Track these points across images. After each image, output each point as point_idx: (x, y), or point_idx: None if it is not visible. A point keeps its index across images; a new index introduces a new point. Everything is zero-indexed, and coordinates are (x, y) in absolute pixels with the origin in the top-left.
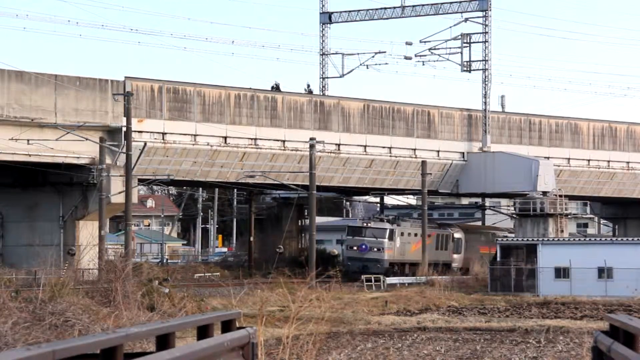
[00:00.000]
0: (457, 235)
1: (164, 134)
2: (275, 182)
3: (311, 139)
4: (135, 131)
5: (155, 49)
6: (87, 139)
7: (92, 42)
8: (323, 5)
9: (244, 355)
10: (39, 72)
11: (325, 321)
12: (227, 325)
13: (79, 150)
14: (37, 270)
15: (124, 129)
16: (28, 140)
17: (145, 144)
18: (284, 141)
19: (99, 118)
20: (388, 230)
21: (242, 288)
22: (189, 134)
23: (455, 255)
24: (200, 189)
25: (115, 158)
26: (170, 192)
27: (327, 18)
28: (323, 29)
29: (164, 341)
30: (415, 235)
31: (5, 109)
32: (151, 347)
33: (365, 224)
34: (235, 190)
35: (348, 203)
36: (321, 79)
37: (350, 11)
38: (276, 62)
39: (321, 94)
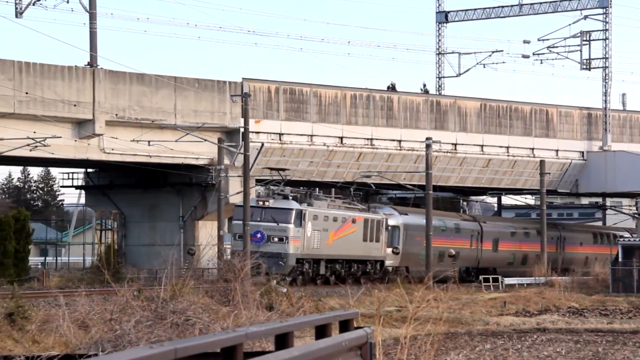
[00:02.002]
0: (392, 222)
1: (280, 134)
2: (392, 182)
3: (427, 138)
4: (252, 132)
5: (272, 50)
6: (205, 140)
7: (211, 44)
8: (439, 5)
9: (362, 355)
10: (160, 75)
11: (443, 322)
12: (345, 325)
13: (197, 151)
14: (158, 270)
15: (242, 129)
16: (149, 141)
17: (262, 144)
18: (400, 141)
19: (217, 119)
20: (294, 212)
21: (359, 288)
22: (305, 135)
23: (389, 250)
24: (317, 189)
25: (233, 159)
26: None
27: (443, 17)
28: (439, 28)
29: (282, 340)
30: (335, 220)
31: (127, 110)
32: (270, 347)
33: (260, 203)
34: (352, 190)
35: (465, 203)
36: (437, 79)
37: (466, 10)
38: (392, 62)
39: (437, 93)
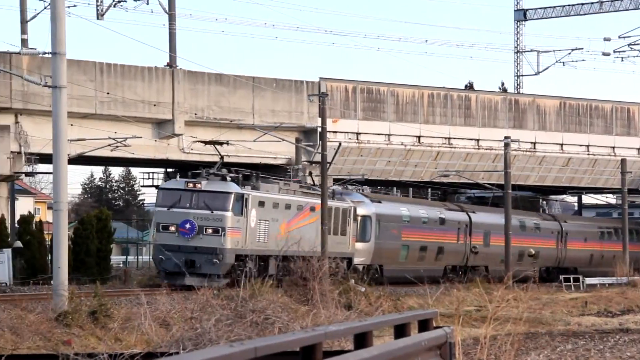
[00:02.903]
0: (361, 211)
1: (358, 134)
2: (470, 182)
3: (506, 137)
4: (329, 131)
5: (349, 50)
6: (283, 140)
7: (288, 44)
8: (518, 3)
9: (442, 354)
10: (238, 75)
11: (523, 322)
12: (424, 325)
13: (275, 150)
14: None
15: (319, 129)
16: (227, 141)
17: (339, 144)
18: (478, 140)
19: (295, 119)
20: (233, 197)
21: (438, 287)
22: (382, 134)
23: (359, 246)
24: (395, 188)
25: (310, 158)
26: (364, 190)
27: (522, 15)
28: (518, 27)
29: (362, 340)
30: (288, 207)
31: (206, 110)
32: (349, 346)
33: (191, 185)
34: (430, 189)
35: (545, 202)
36: (516, 77)
37: (545, 8)
38: (470, 61)
39: (516, 92)
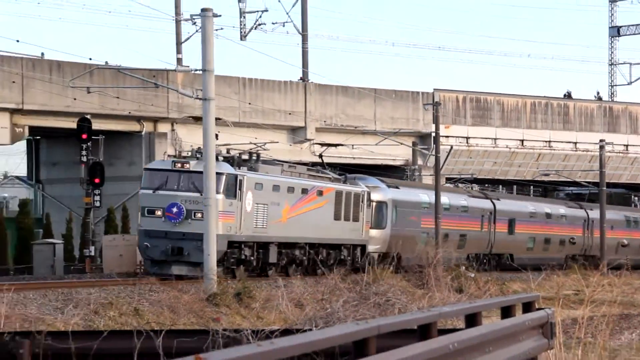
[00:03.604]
0: (377, 196)
1: (467, 138)
2: (568, 180)
3: (601, 140)
4: (442, 136)
5: (460, 64)
6: (401, 144)
7: (406, 59)
8: (612, 20)
9: (544, 333)
10: (361, 87)
11: (617, 304)
12: (527, 307)
13: (394, 153)
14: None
15: (433, 134)
16: (352, 145)
17: (451, 147)
18: (575, 143)
19: (412, 125)
20: (225, 178)
21: (539, 273)
22: (489, 138)
23: (374, 233)
24: (500, 186)
25: (425, 160)
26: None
27: (615, 32)
28: (612, 42)
29: (472, 319)
30: (291, 190)
31: (334, 118)
32: (460, 325)
33: (179, 165)
34: (532, 187)
35: (636, 198)
36: (610, 87)
37: (637, 25)
38: (567, 73)
39: (610, 100)
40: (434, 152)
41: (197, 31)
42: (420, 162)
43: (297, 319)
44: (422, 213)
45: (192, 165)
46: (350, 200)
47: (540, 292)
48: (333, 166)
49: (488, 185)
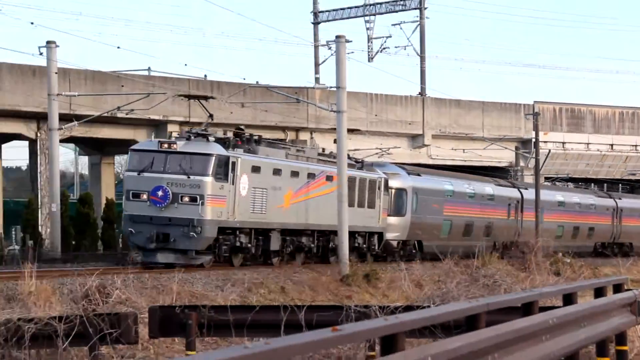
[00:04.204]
0: (396, 183)
1: (563, 143)
2: None
3: None
4: (541, 141)
5: (557, 79)
6: (505, 148)
7: (512, 76)
8: None
9: (632, 310)
10: (471, 100)
11: None
12: (618, 288)
13: (499, 156)
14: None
15: (533, 140)
16: (463, 149)
17: (549, 151)
18: None
19: (514, 132)
20: (215, 159)
21: (627, 259)
22: (582, 143)
23: (393, 220)
24: (592, 184)
25: (527, 162)
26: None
27: None
28: None
29: (568, 298)
30: (295, 175)
31: (447, 127)
32: (559, 303)
33: (165, 146)
34: (620, 185)
35: None
36: None
37: None
38: None
39: None
40: (534, 155)
41: (332, 55)
42: (522, 163)
43: (417, 297)
44: (445, 201)
45: (180, 145)
46: (365, 187)
47: (629, 276)
48: (445, 168)
49: (581, 183)
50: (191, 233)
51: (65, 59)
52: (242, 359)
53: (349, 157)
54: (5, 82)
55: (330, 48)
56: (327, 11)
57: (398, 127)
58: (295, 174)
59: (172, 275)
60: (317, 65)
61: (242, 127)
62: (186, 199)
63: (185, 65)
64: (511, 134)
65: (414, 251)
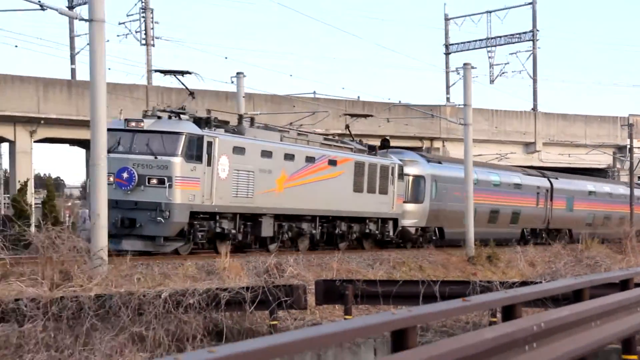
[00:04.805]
0: (413, 170)
1: None
2: None
3: None
4: (635, 147)
5: None
6: (604, 153)
7: (608, 92)
8: None
9: None
10: (576, 114)
11: None
12: None
13: (599, 160)
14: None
15: (628, 146)
16: (569, 154)
17: None
18: None
19: (612, 140)
20: (185, 138)
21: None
22: None
23: (410, 207)
24: None
25: (622, 164)
26: None
27: None
28: None
29: None
30: (290, 158)
31: (555, 136)
32: None
33: (133, 124)
34: None
35: None
36: None
37: None
38: None
39: None
40: (628, 159)
41: (460, 79)
42: (618, 165)
43: (531, 274)
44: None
45: (148, 124)
46: (376, 173)
47: None
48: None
49: None
50: (158, 218)
51: (250, 85)
52: (390, 324)
53: (360, 143)
54: (207, 104)
55: (458, 73)
56: (456, 44)
57: (514, 137)
58: (289, 157)
59: (333, 256)
60: (448, 87)
61: (388, 137)
62: (154, 181)
63: (343, 88)
64: (609, 141)
65: (434, 238)
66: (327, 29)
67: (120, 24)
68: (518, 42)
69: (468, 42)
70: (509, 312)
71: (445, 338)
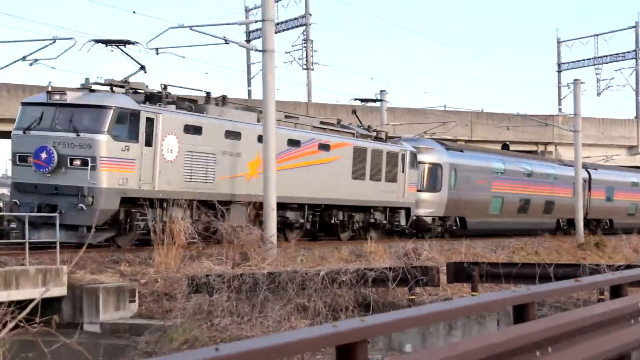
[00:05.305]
0: (428, 158)
1: None
2: None
3: None
4: None
5: None
6: None
7: None
8: None
9: None
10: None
11: None
12: None
13: None
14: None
15: None
16: (611, 156)
17: None
18: None
19: None
20: (113, 113)
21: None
22: None
23: (425, 196)
24: None
25: None
26: None
27: None
28: None
29: None
30: (251, 143)
31: (600, 139)
32: None
33: (56, 97)
34: None
35: None
36: None
37: None
38: None
39: None
40: None
41: (570, 92)
42: None
43: (635, 259)
44: (493, 178)
45: (72, 97)
46: (381, 159)
47: None
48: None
49: None
50: (80, 205)
51: (392, 100)
52: (512, 299)
53: (365, 128)
54: (353, 119)
55: (569, 88)
56: (567, 62)
57: (618, 141)
58: (251, 142)
59: (460, 242)
60: (559, 99)
61: (508, 142)
62: (76, 162)
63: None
64: None
65: (454, 227)
66: (456, 52)
67: (286, 52)
68: (622, 60)
69: (577, 61)
70: (617, 291)
71: (559, 312)
